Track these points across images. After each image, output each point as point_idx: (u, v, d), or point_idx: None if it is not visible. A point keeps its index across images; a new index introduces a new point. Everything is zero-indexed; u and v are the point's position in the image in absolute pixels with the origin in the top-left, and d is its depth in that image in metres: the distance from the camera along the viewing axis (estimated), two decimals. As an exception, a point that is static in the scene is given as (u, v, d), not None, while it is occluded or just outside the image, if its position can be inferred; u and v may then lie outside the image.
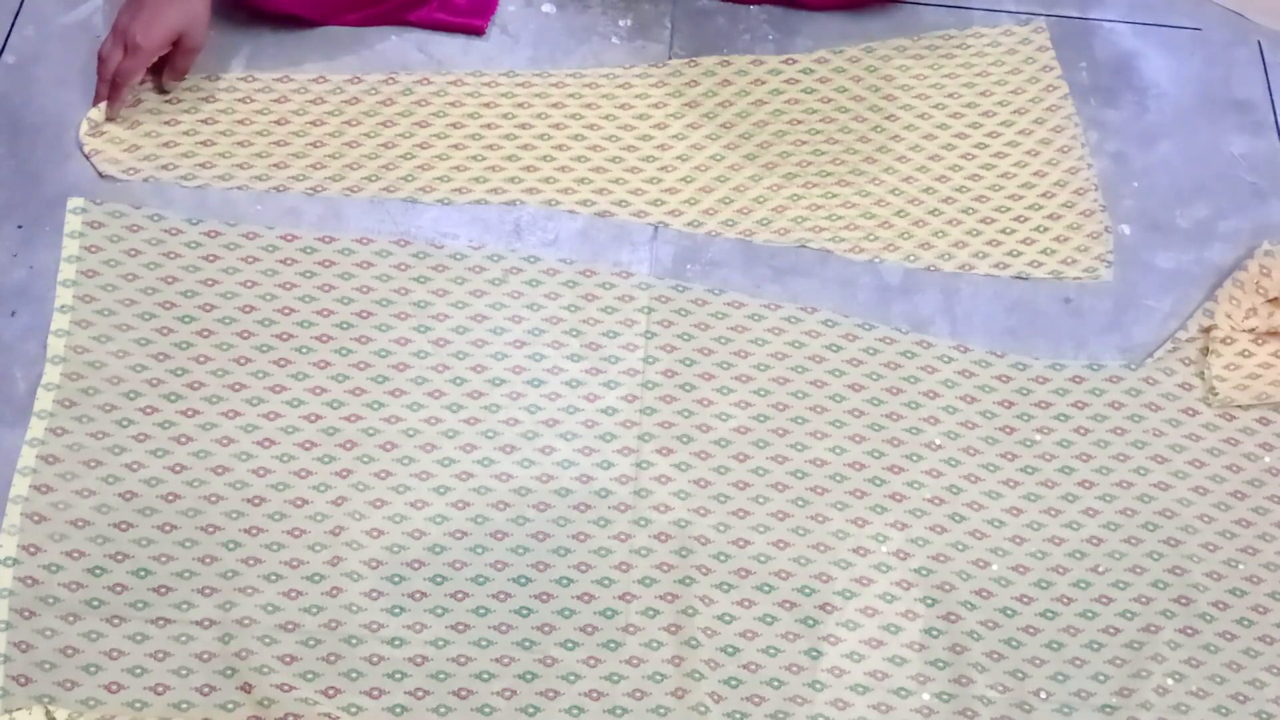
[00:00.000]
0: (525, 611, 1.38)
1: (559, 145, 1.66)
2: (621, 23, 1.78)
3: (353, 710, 1.32)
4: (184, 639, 1.33)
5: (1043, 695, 1.40)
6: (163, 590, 1.35)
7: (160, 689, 1.30)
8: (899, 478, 1.50)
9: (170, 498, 1.39)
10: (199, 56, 1.58)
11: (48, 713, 1.28)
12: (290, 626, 1.35)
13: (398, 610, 1.37)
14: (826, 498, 1.48)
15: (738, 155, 1.68)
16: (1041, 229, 1.67)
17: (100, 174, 1.53)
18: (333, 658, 1.34)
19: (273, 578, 1.37)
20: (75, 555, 1.35)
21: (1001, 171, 1.71)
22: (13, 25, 1.66)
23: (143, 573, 1.35)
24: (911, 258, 1.63)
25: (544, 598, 1.39)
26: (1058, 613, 1.44)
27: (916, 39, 1.81)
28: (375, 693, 1.33)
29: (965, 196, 1.68)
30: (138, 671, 1.31)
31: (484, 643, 1.36)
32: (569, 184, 1.63)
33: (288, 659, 1.33)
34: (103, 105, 1.54)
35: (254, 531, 1.39)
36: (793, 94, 1.74)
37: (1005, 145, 1.73)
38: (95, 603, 1.33)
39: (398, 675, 1.33)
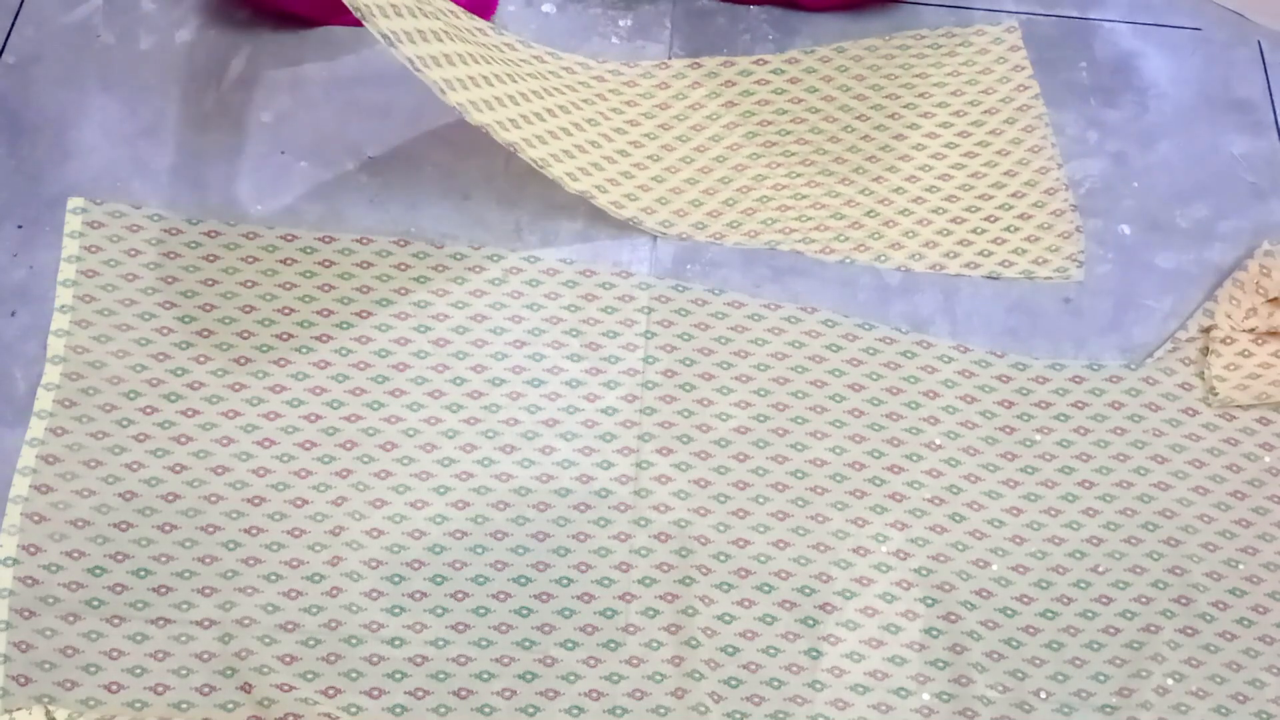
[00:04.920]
0: (525, 611, 1.38)
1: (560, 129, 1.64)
2: (621, 23, 1.78)
3: (353, 710, 1.32)
4: (184, 639, 1.33)
5: (1043, 695, 1.40)
6: (163, 590, 1.35)
7: (160, 689, 1.30)
8: (899, 478, 1.50)
9: (170, 498, 1.39)
10: (204, 53, 1.59)
11: (48, 713, 1.28)
12: (290, 626, 1.35)
13: (398, 610, 1.37)
14: (826, 498, 1.48)
15: (707, 158, 1.68)
16: (1012, 229, 1.67)
17: None
18: (333, 658, 1.34)
19: (273, 578, 1.37)
20: (75, 555, 1.35)
21: (972, 172, 1.70)
22: (13, 25, 1.67)
23: (143, 573, 1.35)
24: (882, 258, 1.63)
25: (544, 598, 1.39)
26: (1058, 613, 1.44)
27: (888, 39, 1.80)
28: (375, 693, 1.33)
29: (935, 197, 1.68)
30: (138, 671, 1.31)
31: (484, 643, 1.36)
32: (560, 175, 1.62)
33: (288, 659, 1.33)
34: None
35: (254, 531, 1.39)
36: (763, 95, 1.73)
37: (976, 145, 1.72)
38: (95, 603, 1.33)
39: (398, 675, 1.34)
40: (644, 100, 1.70)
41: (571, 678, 1.35)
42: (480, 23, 1.59)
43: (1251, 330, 1.59)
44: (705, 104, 1.71)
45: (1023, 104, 1.76)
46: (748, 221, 1.63)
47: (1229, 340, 1.59)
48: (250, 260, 1.53)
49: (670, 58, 1.75)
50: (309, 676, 1.32)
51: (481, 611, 1.38)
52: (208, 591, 1.35)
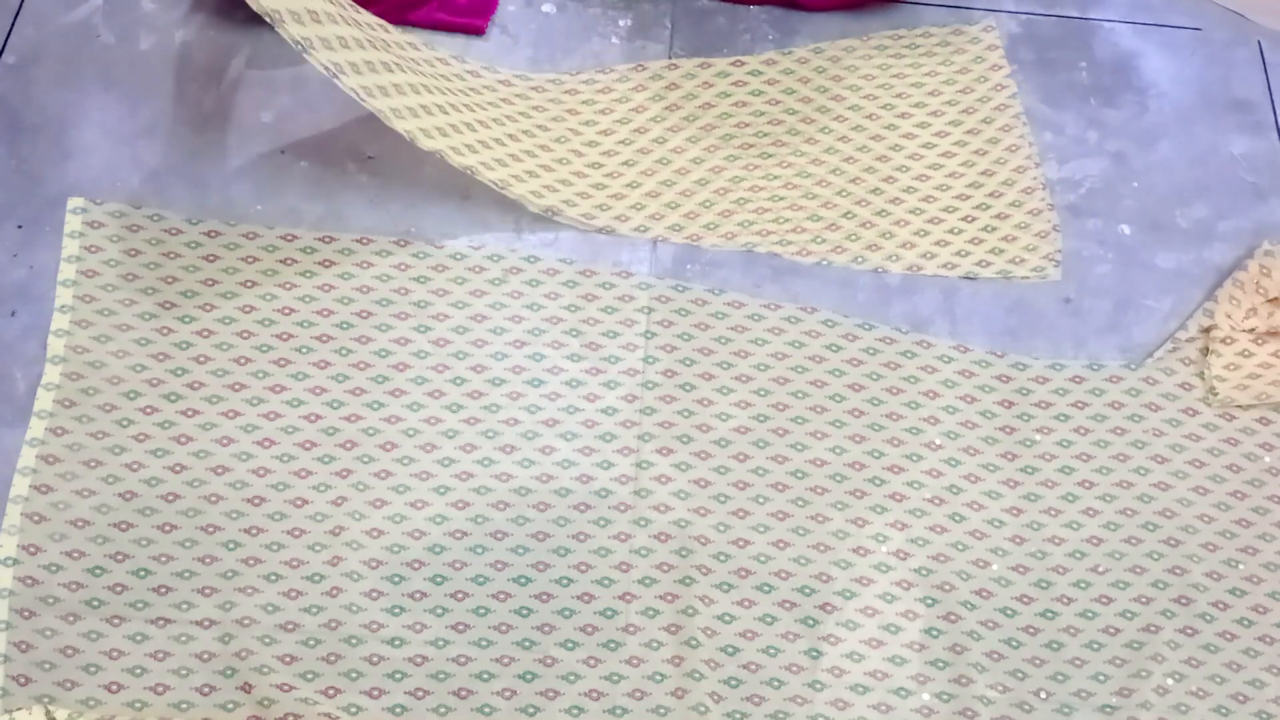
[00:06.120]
0: (525, 611, 1.38)
1: (543, 145, 1.66)
2: (621, 23, 1.78)
3: (353, 710, 1.32)
4: (184, 639, 1.33)
5: (1043, 695, 1.40)
6: (163, 590, 1.35)
7: (160, 689, 1.30)
8: (899, 478, 1.50)
9: (170, 498, 1.39)
10: (204, 53, 1.58)
11: (48, 712, 1.28)
12: (290, 626, 1.35)
13: (398, 610, 1.37)
14: (826, 498, 1.48)
15: (684, 160, 1.67)
16: (989, 229, 1.66)
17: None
18: (333, 658, 1.34)
19: (273, 578, 1.37)
20: (75, 555, 1.35)
21: (949, 172, 1.70)
22: (13, 25, 1.67)
23: (143, 573, 1.35)
24: (859, 260, 1.63)
25: (544, 598, 1.39)
26: (1058, 613, 1.44)
27: (866, 39, 1.80)
28: (375, 693, 1.33)
29: (912, 197, 1.67)
30: (138, 671, 1.31)
31: (484, 643, 1.36)
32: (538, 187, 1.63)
33: (288, 659, 1.33)
34: None
35: (254, 531, 1.39)
36: (740, 96, 1.73)
37: (953, 145, 1.72)
38: (95, 603, 1.33)
39: (398, 675, 1.34)
40: (619, 105, 1.70)
41: (571, 678, 1.35)
42: (442, 53, 1.61)
43: (1251, 330, 1.59)
44: (682, 105, 1.71)
45: (1000, 103, 1.76)
46: (724, 224, 1.63)
47: (1229, 340, 1.59)
48: (250, 260, 1.53)
49: (670, 57, 1.75)
50: (309, 676, 1.32)
51: (481, 611, 1.38)
52: (208, 591, 1.35)
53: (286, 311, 1.51)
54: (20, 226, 1.52)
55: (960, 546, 1.47)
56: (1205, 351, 1.60)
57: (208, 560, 1.37)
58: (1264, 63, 1.86)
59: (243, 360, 1.47)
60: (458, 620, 1.37)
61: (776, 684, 1.37)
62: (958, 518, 1.48)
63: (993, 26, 1.83)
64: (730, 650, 1.38)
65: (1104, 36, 1.86)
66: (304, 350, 1.49)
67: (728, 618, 1.40)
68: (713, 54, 1.76)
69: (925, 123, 1.73)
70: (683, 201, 1.64)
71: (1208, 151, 1.77)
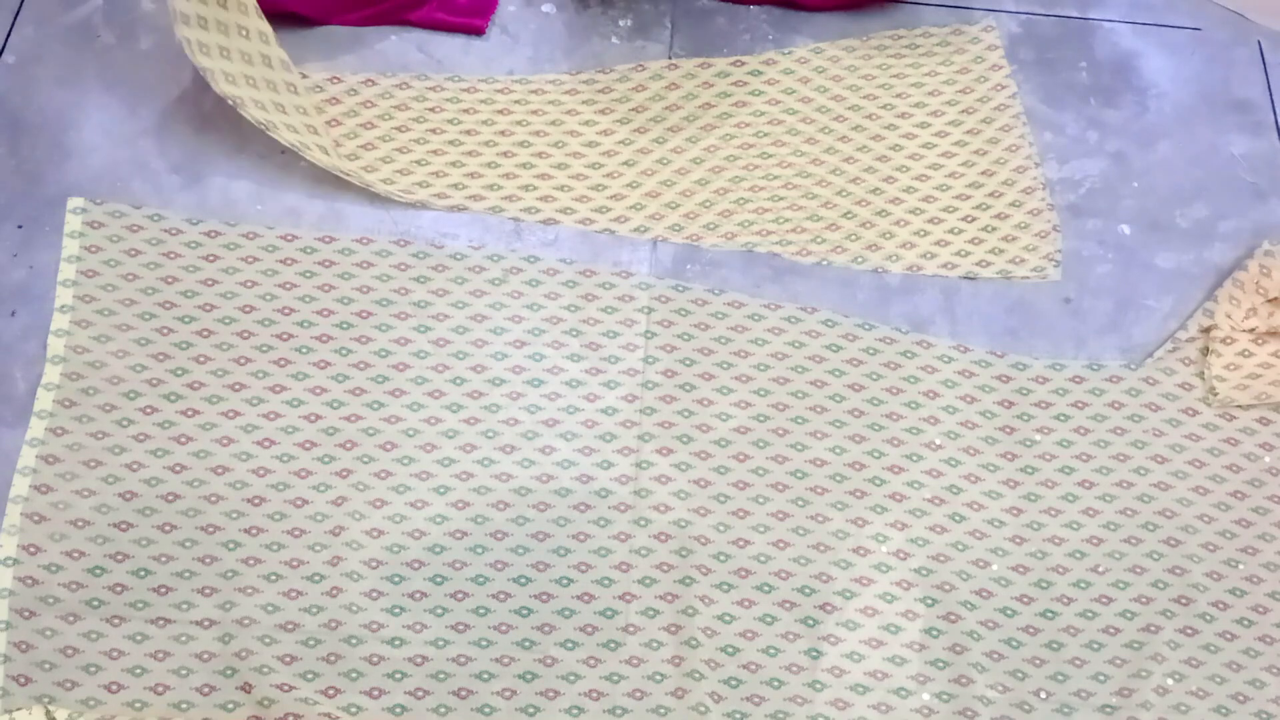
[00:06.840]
0: (525, 611, 1.38)
1: (539, 153, 1.66)
2: (621, 23, 1.78)
3: (353, 710, 1.32)
4: (184, 639, 1.33)
5: (1043, 695, 1.40)
6: (163, 590, 1.35)
7: (160, 689, 1.30)
8: (899, 478, 1.50)
9: (170, 498, 1.39)
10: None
11: (48, 712, 1.28)
12: (290, 626, 1.35)
13: (398, 610, 1.37)
14: (826, 498, 1.48)
15: (683, 159, 1.67)
16: (989, 229, 1.67)
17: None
18: (333, 658, 1.34)
19: (273, 578, 1.37)
20: (75, 555, 1.35)
21: (949, 171, 1.70)
22: (13, 25, 1.67)
23: (143, 573, 1.35)
24: (859, 260, 1.63)
25: (544, 598, 1.39)
26: (1058, 613, 1.44)
27: (866, 39, 1.80)
28: (375, 693, 1.33)
29: (913, 197, 1.67)
30: (138, 671, 1.31)
31: (484, 643, 1.36)
32: (547, 192, 1.64)
33: (288, 659, 1.33)
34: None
35: (254, 531, 1.39)
36: (740, 96, 1.73)
37: (953, 145, 1.72)
38: (95, 603, 1.33)
39: (398, 675, 1.34)
40: (619, 105, 1.70)
41: (571, 678, 1.36)
42: (436, 90, 1.66)
43: (1251, 330, 1.59)
44: (682, 105, 1.71)
45: (1000, 103, 1.76)
46: (724, 224, 1.63)
47: (1229, 340, 1.59)
48: (250, 260, 1.53)
49: (670, 57, 1.75)
50: (309, 676, 1.32)
51: (481, 611, 1.38)
52: (208, 591, 1.35)
53: (286, 312, 1.51)
54: (20, 226, 1.53)
55: (960, 546, 1.47)
56: (1205, 351, 1.60)
57: (208, 560, 1.37)
58: (1264, 63, 1.86)
59: (243, 360, 1.47)
60: (458, 620, 1.37)
61: (776, 684, 1.37)
62: (958, 518, 1.48)
63: (993, 26, 1.83)
64: (730, 650, 1.38)
65: (1104, 36, 1.86)
66: (304, 350, 1.49)
67: (728, 618, 1.40)
68: (713, 54, 1.76)
69: (925, 123, 1.73)
70: (683, 201, 1.64)
71: (1208, 151, 1.77)
